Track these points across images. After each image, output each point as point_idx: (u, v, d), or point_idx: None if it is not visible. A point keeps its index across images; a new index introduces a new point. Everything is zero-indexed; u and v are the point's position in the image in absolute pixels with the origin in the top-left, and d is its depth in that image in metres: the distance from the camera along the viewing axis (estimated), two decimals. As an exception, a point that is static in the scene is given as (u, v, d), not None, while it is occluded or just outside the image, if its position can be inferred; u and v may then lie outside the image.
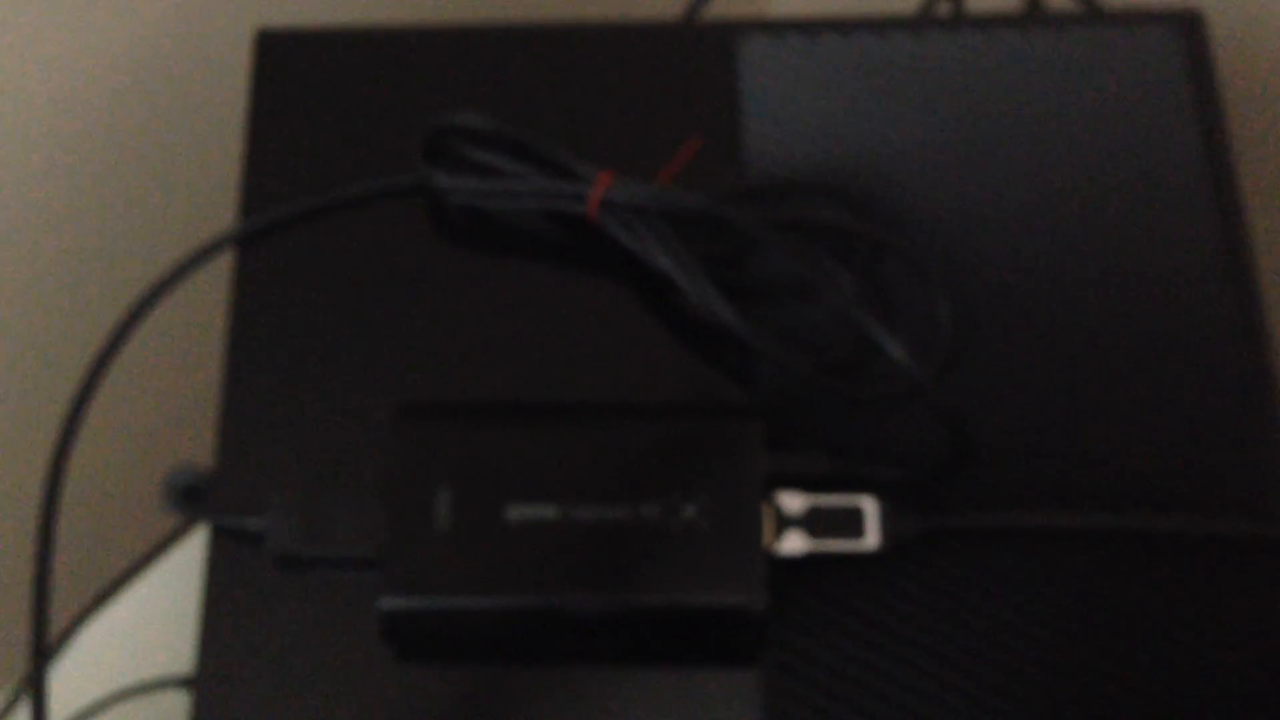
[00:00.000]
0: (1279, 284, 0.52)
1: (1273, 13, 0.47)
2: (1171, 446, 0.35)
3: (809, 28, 0.41)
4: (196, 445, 0.48)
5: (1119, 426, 0.36)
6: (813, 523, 0.34)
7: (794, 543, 0.34)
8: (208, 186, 0.46)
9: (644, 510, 0.33)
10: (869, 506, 0.34)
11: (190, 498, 0.35)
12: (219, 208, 0.43)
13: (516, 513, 0.33)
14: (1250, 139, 0.50)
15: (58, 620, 0.42)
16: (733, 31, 0.41)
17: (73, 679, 0.41)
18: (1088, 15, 0.42)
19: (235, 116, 0.41)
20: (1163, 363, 0.36)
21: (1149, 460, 0.35)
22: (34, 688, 0.34)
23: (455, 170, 0.38)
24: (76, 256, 0.45)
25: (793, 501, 0.34)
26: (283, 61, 0.41)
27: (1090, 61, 0.40)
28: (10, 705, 0.41)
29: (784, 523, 0.34)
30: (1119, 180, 0.39)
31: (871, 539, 0.34)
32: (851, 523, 0.34)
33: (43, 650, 0.35)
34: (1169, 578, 0.34)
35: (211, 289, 0.44)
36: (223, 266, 0.42)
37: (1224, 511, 0.35)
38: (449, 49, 0.41)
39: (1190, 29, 0.41)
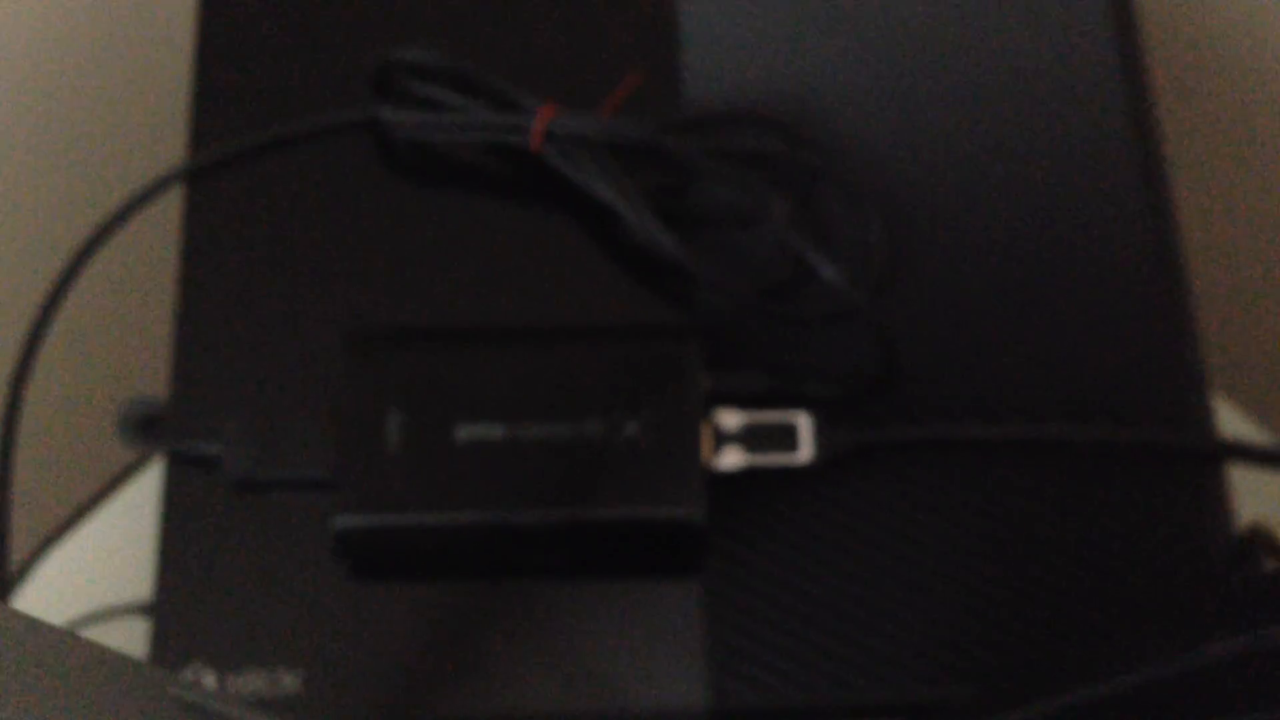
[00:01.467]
0: (1190, 207, 0.54)
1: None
2: (1093, 361, 0.37)
3: (746, -36, 0.42)
4: (152, 380, 0.49)
5: (1043, 343, 0.37)
6: (749, 438, 0.35)
7: (732, 457, 0.35)
8: (157, 125, 0.46)
9: (587, 428, 0.34)
10: (803, 422, 0.35)
11: (147, 429, 0.36)
12: (169, 146, 0.44)
13: (465, 432, 0.34)
14: (1170, 73, 0.52)
15: (17, 552, 0.43)
16: (672, -31, 0.42)
17: (34, 610, 0.42)
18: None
19: (184, 54, 0.42)
20: (1083, 282, 0.38)
21: (1071, 374, 0.37)
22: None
23: (401, 104, 0.39)
24: (29, 190, 0.46)
25: (730, 418, 0.35)
26: (229, 1, 0.42)
27: (1017, 3, 0.42)
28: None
29: (722, 439, 0.35)
30: (1042, 106, 0.40)
31: (805, 453, 0.35)
32: (786, 437, 0.35)
33: (3, 580, 0.36)
34: (1090, 485, 0.36)
35: (162, 225, 0.44)
36: (173, 202, 0.43)
37: (1142, 421, 0.36)
38: (393, -13, 0.42)
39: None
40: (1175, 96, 0.52)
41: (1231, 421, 0.43)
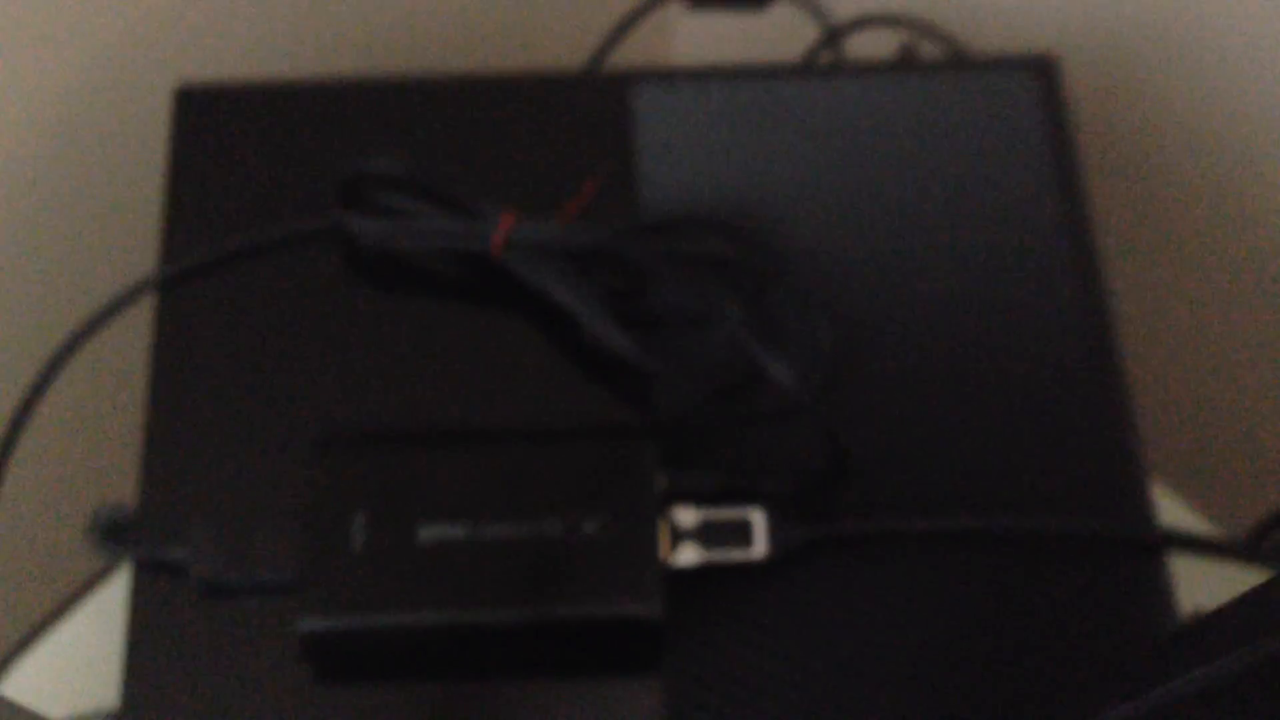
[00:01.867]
0: (1127, 303, 0.56)
1: (1121, 56, 0.51)
2: (1036, 454, 0.38)
3: (698, 76, 0.44)
4: (121, 488, 0.49)
5: (987, 438, 0.38)
6: (706, 535, 0.36)
7: (689, 554, 0.36)
8: (129, 237, 0.47)
9: (547, 527, 0.35)
10: (757, 518, 0.36)
11: (116, 535, 0.37)
12: (142, 256, 0.45)
13: (428, 533, 0.35)
14: (1103, 170, 0.54)
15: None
16: (628, 80, 0.44)
17: None
18: (954, 63, 0.45)
19: (156, 169, 0.43)
20: (1024, 378, 0.39)
21: (1015, 467, 0.38)
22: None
23: (368, 213, 0.40)
24: (1, 297, 0.47)
25: (686, 515, 0.36)
26: (202, 115, 0.43)
27: (956, 105, 0.44)
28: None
29: (679, 535, 0.36)
30: (983, 213, 0.42)
31: (760, 548, 0.36)
32: (741, 533, 0.36)
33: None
34: (1035, 575, 0.37)
35: (133, 335, 0.45)
36: (145, 312, 0.44)
37: (1085, 512, 0.37)
38: (361, 101, 0.43)
39: (1045, 72, 0.44)
40: (1110, 191, 0.54)
41: (1172, 511, 0.45)
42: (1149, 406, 0.58)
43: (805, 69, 0.45)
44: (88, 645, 0.43)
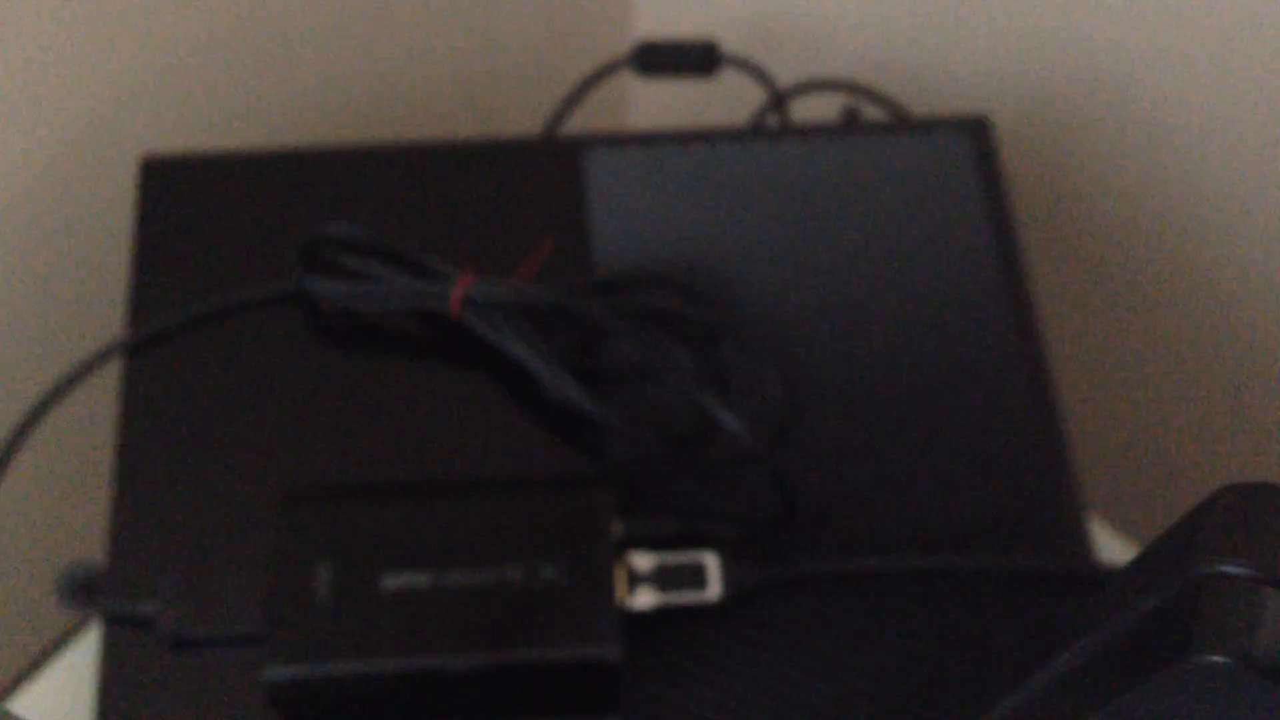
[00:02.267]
0: (1061, 346, 0.58)
1: (1050, 115, 0.53)
2: (978, 494, 0.40)
3: (648, 140, 0.46)
4: (90, 545, 0.50)
5: (931, 479, 0.40)
6: (661, 579, 0.37)
7: (645, 598, 0.37)
8: (98, 302, 0.48)
9: (508, 573, 0.36)
10: (711, 561, 0.37)
11: (85, 592, 0.38)
12: (111, 319, 0.46)
13: (391, 581, 0.36)
14: (1035, 222, 0.56)
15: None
16: (581, 145, 0.46)
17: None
18: (893, 125, 0.47)
19: (124, 236, 0.45)
20: (965, 422, 0.41)
21: (958, 507, 0.40)
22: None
23: (329, 276, 0.41)
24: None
25: (642, 560, 0.37)
26: (167, 185, 0.44)
27: (896, 164, 0.46)
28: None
29: (635, 579, 0.37)
30: (922, 266, 0.44)
31: (714, 590, 0.37)
32: (696, 577, 0.37)
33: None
34: (980, 610, 0.38)
35: (103, 395, 0.46)
36: (114, 373, 0.44)
37: (1026, 548, 0.39)
38: (322, 169, 0.45)
39: (979, 133, 0.46)
40: (1043, 241, 0.56)
41: (1109, 546, 0.46)
42: (1084, 445, 0.59)
43: (752, 132, 0.47)
44: (59, 702, 0.44)
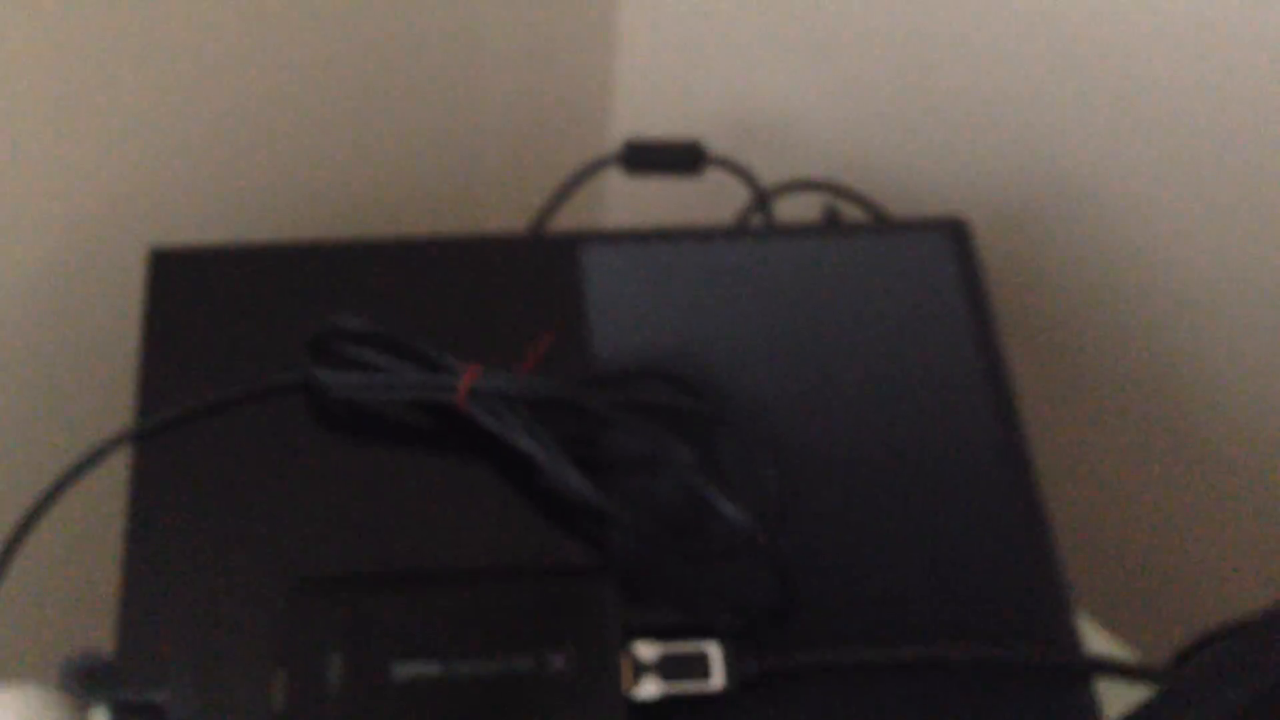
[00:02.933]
0: (1045, 444, 0.60)
1: (1025, 220, 0.55)
2: (970, 587, 0.41)
3: (642, 237, 0.48)
4: (99, 634, 0.50)
5: (924, 572, 0.41)
6: (665, 668, 0.38)
7: (650, 687, 0.38)
8: (108, 391, 0.49)
9: (516, 663, 0.37)
10: (714, 651, 0.38)
11: (89, 680, 0.38)
12: (121, 408, 0.47)
13: (403, 671, 0.37)
14: (1014, 319, 0.58)
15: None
16: (576, 242, 0.47)
17: None
18: (875, 225, 0.49)
19: (131, 329, 0.45)
20: (956, 516, 0.42)
21: (951, 599, 0.41)
22: None
23: (336, 367, 0.42)
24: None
25: (647, 650, 0.38)
26: (174, 277, 0.45)
27: (878, 264, 0.47)
28: None
29: (640, 669, 0.38)
30: (907, 362, 0.45)
31: (718, 680, 0.38)
32: (700, 666, 0.38)
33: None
34: (973, 700, 0.39)
35: (112, 484, 0.47)
36: (124, 462, 0.45)
37: (1017, 640, 0.40)
38: (326, 262, 0.46)
39: (957, 234, 0.48)
40: (1022, 338, 0.58)
41: (1097, 640, 0.48)
42: (1072, 544, 0.61)
43: (740, 231, 0.49)
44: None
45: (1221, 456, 0.55)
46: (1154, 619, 0.59)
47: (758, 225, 0.52)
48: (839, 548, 0.42)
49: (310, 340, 0.42)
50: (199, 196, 0.50)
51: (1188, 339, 0.54)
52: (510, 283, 0.46)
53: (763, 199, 0.54)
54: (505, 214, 0.63)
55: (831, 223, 0.52)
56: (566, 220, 0.65)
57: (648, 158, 0.57)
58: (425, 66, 0.56)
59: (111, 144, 0.46)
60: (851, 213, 0.55)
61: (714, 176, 0.60)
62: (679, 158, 0.56)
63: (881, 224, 0.49)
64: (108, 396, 0.48)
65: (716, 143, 0.62)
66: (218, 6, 0.47)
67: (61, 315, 0.48)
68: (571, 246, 0.47)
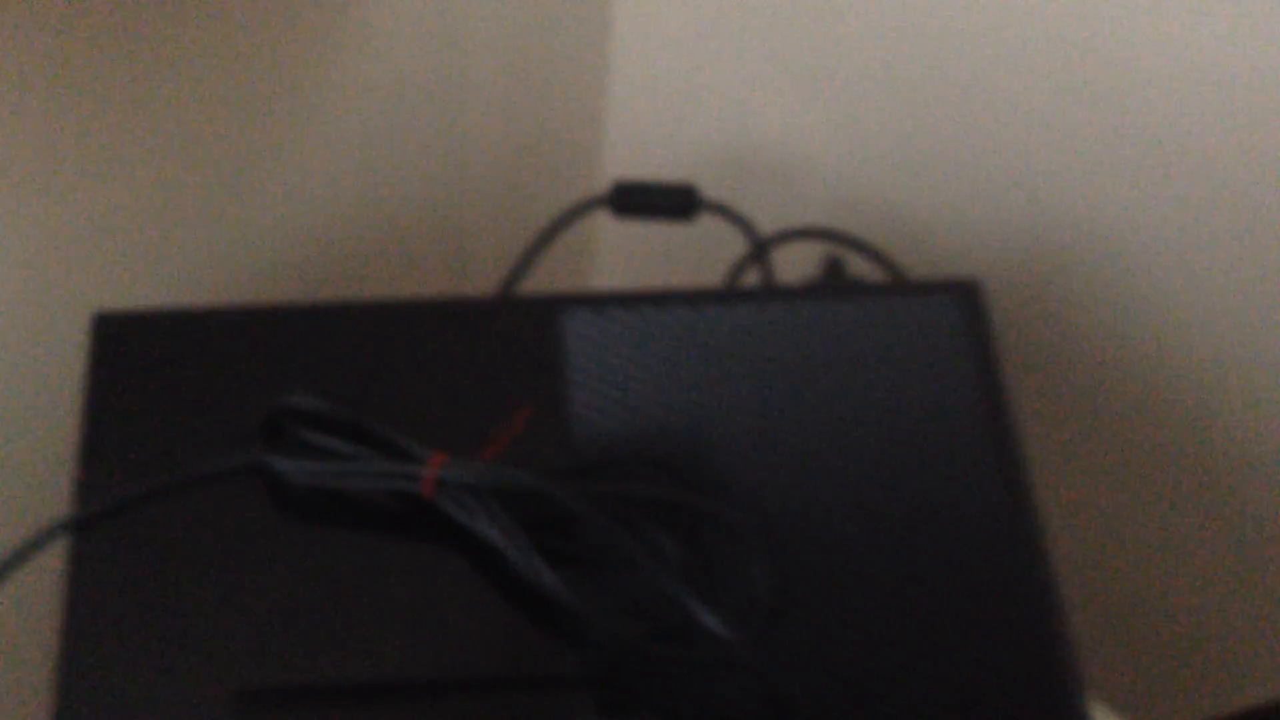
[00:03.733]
0: (1058, 522, 0.57)
1: (1039, 272, 0.52)
2: (979, 674, 0.38)
3: (629, 301, 0.44)
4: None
5: (924, 665, 0.38)
6: (643, 793, 0.35)
7: (626, 814, 0.35)
8: (44, 468, 0.46)
9: (480, 791, 0.34)
10: (696, 775, 0.35)
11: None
12: (56, 493, 0.44)
13: (354, 800, 0.34)
14: (1026, 381, 0.55)
15: None
16: (557, 304, 0.44)
17: None
18: (882, 287, 0.46)
19: (71, 397, 0.42)
20: (962, 602, 0.39)
21: (959, 688, 0.38)
22: None
23: (292, 452, 0.39)
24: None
25: (623, 773, 0.35)
26: (119, 342, 0.42)
27: (885, 329, 0.44)
28: None
29: (615, 795, 0.35)
30: (914, 434, 0.42)
31: (699, 807, 0.35)
32: (680, 791, 0.35)
33: None
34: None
35: (45, 575, 0.44)
36: (57, 552, 0.42)
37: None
38: (284, 327, 0.43)
39: (969, 296, 0.45)
40: (1038, 395, 0.55)
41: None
42: (1082, 622, 0.58)
43: (733, 293, 0.46)
44: None
45: (1252, 526, 0.52)
46: (1166, 703, 0.56)
47: (753, 286, 0.49)
48: (837, 647, 0.38)
49: (263, 421, 0.39)
50: (147, 257, 0.47)
51: (1215, 400, 0.51)
52: (484, 350, 0.43)
53: (761, 250, 0.51)
54: (489, 258, 0.60)
55: (832, 283, 0.49)
56: (552, 270, 0.61)
57: (638, 200, 0.53)
58: (408, 103, 0.53)
59: (51, 201, 0.43)
60: (856, 264, 0.52)
61: (708, 221, 0.56)
62: (671, 201, 0.53)
63: (886, 284, 0.46)
64: (46, 468, 0.45)
65: (711, 185, 0.59)
66: (169, 36, 0.44)
67: (1, 379, 0.45)
68: (551, 310, 0.44)
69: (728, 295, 0.45)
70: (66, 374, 0.46)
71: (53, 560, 0.43)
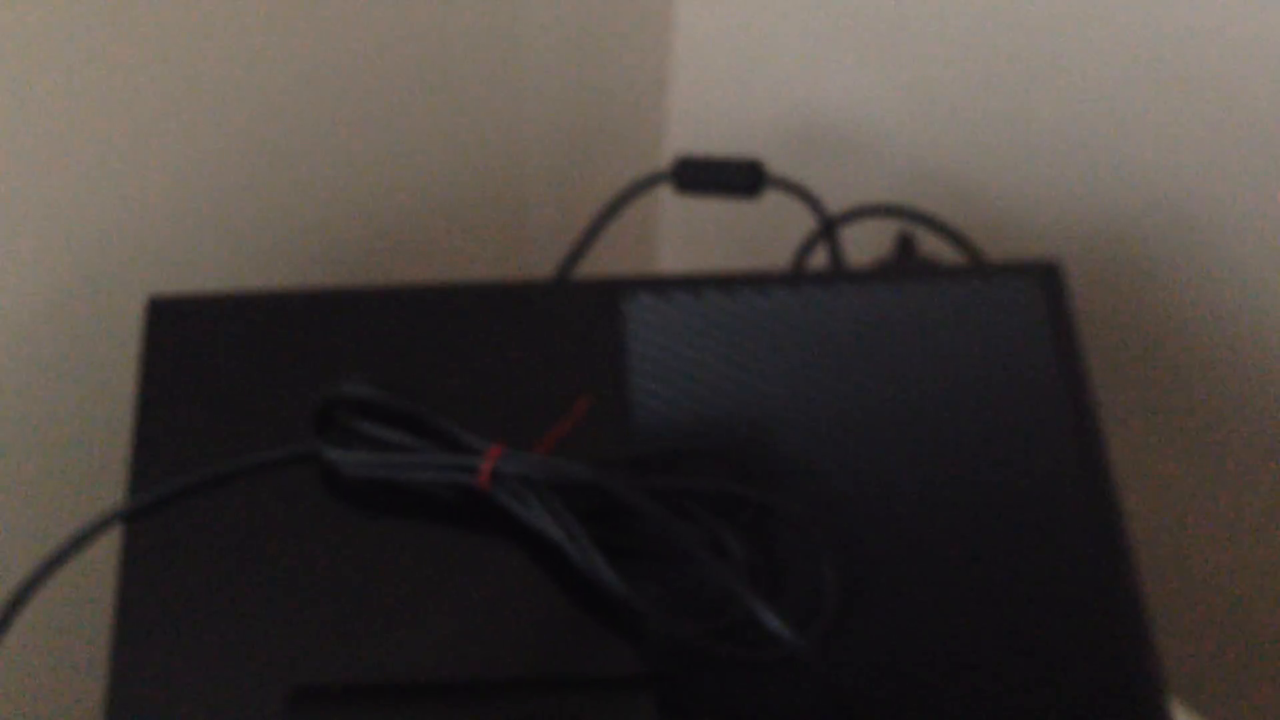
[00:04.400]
0: (1140, 516, 0.54)
1: (1121, 247, 0.50)
2: (1056, 676, 0.36)
3: (693, 284, 0.43)
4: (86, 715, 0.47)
5: (998, 670, 0.36)
6: (704, 800, 0.34)
7: (686, 820, 0.34)
8: (100, 455, 0.45)
9: (536, 796, 0.33)
10: (759, 782, 0.34)
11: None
12: (111, 477, 0.43)
13: (407, 803, 0.33)
14: (1108, 368, 0.53)
15: None
16: (618, 288, 0.43)
17: None
18: (957, 270, 0.44)
19: (128, 381, 0.41)
20: (1041, 602, 0.37)
21: (1036, 690, 0.36)
22: None
23: (345, 441, 0.38)
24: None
25: (684, 779, 0.34)
26: (173, 327, 0.41)
27: (958, 311, 0.42)
28: None
29: (676, 801, 0.34)
30: (991, 422, 0.40)
31: (763, 815, 0.34)
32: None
33: None
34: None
35: (100, 565, 0.43)
36: (112, 541, 0.41)
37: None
38: (337, 312, 0.42)
39: (1049, 279, 0.43)
40: (1122, 405, 0.53)
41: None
42: (1163, 619, 0.56)
43: (800, 276, 0.44)
44: None
45: None
46: (1252, 708, 0.54)
47: (821, 267, 0.47)
48: (904, 644, 0.37)
49: (317, 409, 0.38)
50: (202, 239, 0.46)
51: None
52: (542, 335, 0.42)
53: (829, 228, 0.49)
54: (549, 239, 0.58)
55: (904, 264, 0.47)
56: (612, 248, 0.60)
57: (701, 176, 0.52)
58: (462, 74, 0.51)
59: (108, 186, 0.42)
60: (928, 241, 0.50)
61: (775, 198, 0.55)
62: (736, 178, 0.51)
63: (961, 266, 0.44)
64: (101, 452, 0.45)
65: (778, 161, 0.57)
66: (222, 19, 0.43)
67: (51, 368, 0.44)
68: (612, 294, 0.43)
69: (795, 278, 0.43)
70: (122, 360, 0.45)
71: (106, 550, 0.43)
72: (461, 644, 0.37)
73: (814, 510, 0.39)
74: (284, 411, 0.40)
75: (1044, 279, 0.43)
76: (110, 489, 0.45)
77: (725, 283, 0.43)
